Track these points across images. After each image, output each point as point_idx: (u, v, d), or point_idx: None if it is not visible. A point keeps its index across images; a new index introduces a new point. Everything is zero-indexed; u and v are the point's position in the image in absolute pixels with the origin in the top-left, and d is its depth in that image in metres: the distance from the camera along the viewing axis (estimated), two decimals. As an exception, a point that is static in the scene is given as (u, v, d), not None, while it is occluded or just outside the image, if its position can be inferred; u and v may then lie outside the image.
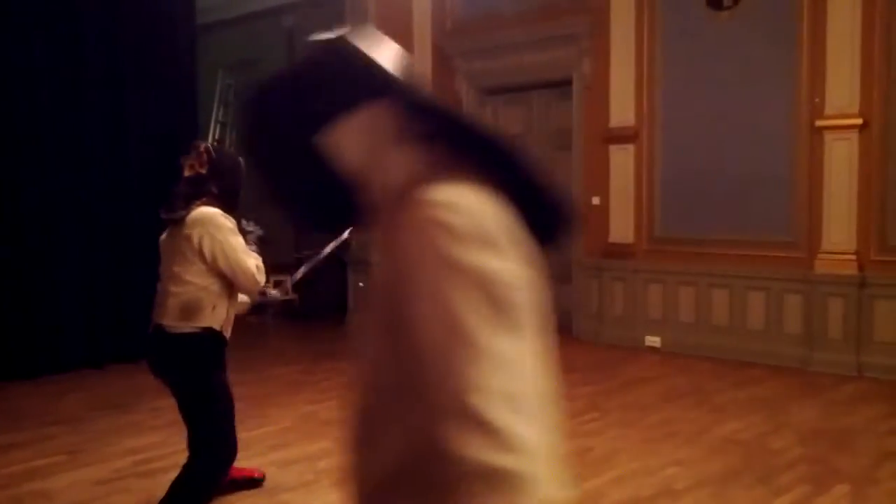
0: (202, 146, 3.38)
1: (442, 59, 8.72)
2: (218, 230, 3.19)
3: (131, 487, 4.14)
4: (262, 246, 4.12)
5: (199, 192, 3.24)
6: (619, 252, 7.49)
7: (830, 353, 6.32)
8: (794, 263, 6.53)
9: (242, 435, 4.89)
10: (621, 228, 7.49)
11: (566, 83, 7.89)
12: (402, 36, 8.49)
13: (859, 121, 6.15)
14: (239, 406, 5.53)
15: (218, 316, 3.28)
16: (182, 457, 4.50)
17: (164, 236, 3.34)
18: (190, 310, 3.21)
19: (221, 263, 3.20)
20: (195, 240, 3.18)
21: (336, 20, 8.62)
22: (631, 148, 7.38)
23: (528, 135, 8.50)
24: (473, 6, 8.49)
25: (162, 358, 3.30)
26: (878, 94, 6.12)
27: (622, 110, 7.40)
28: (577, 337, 7.79)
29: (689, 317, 7.16)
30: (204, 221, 3.19)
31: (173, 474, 4.25)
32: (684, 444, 4.69)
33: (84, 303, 6.78)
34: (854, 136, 6.20)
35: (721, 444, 4.68)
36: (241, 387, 6.13)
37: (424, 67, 8.71)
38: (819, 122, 6.33)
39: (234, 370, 6.73)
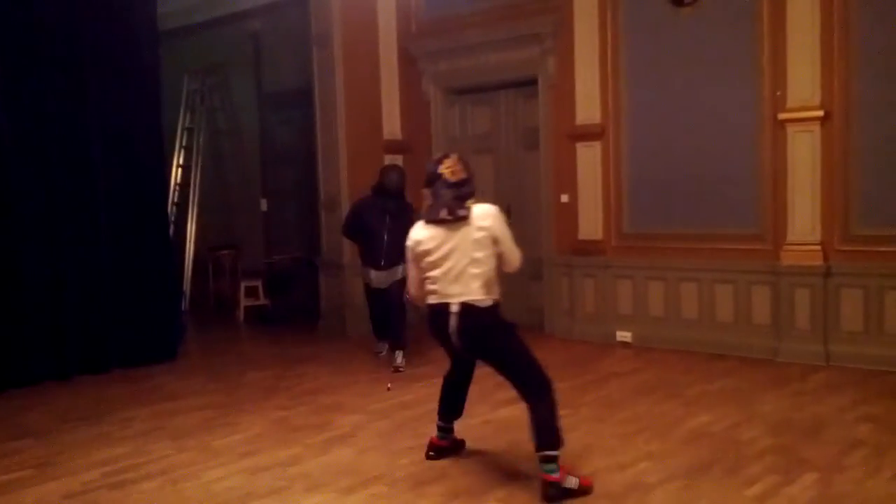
0: (454, 155, 4.14)
1: (408, 60, 8.72)
2: (502, 221, 4.03)
3: (101, 500, 4.09)
4: None
5: (468, 193, 4.00)
6: (589, 249, 7.52)
7: (798, 344, 6.39)
8: (761, 256, 6.60)
9: (213, 443, 4.90)
10: (590, 225, 7.53)
11: (532, 82, 7.92)
12: (368, 39, 8.50)
13: (820, 113, 6.23)
14: (210, 413, 5.56)
15: (499, 288, 4.06)
16: (154, 466, 4.51)
17: (440, 232, 3.98)
18: (490, 286, 3.97)
19: (505, 247, 4.01)
20: (492, 230, 3.95)
21: (301, 24, 8.63)
22: (598, 145, 7.42)
23: (496, 134, 8.53)
24: (438, 8, 8.50)
25: (478, 329, 3.98)
26: (839, 86, 6.19)
27: (588, 108, 7.43)
28: (549, 333, 7.82)
29: (659, 311, 7.21)
30: (493, 215, 4.00)
31: (146, 485, 4.25)
32: (655, 437, 4.72)
33: (49, 313, 6.66)
34: (816, 128, 6.28)
35: (692, 436, 4.72)
36: (212, 394, 6.14)
37: (391, 70, 8.71)
38: (781, 115, 6.40)
39: (205, 377, 6.76)
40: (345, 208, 8.30)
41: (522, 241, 7.13)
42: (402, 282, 6.06)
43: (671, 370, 6.37)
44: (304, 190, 9.37)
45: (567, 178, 7.63)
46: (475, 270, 3.93)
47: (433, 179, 4.04)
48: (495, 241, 3.98)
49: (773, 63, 6.44)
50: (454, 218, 3.94)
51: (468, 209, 3.96)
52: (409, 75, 8.76)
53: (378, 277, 6.79)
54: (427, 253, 4.02)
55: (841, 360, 6.21)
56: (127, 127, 7.08)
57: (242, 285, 9.69)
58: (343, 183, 8.32)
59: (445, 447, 4.54)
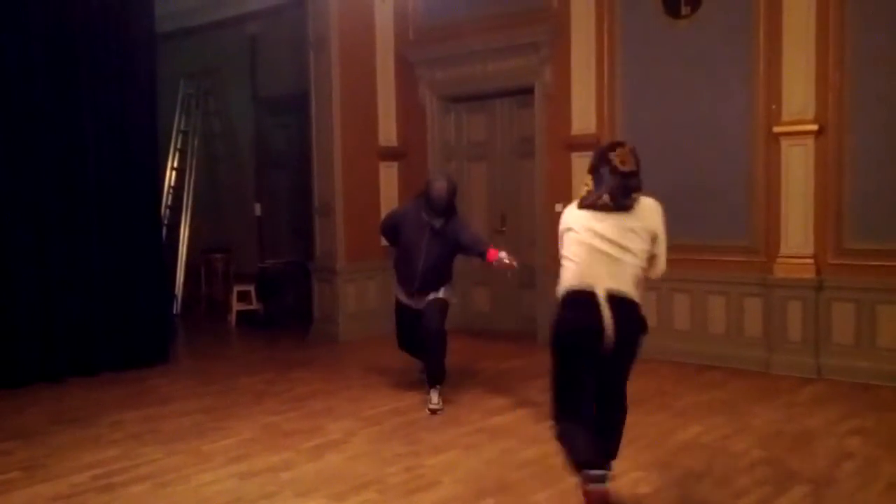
0: (627, 145, 3.85)
1: (405, 67, 8.73)
2: (663, 222, 3.77)
3: (90, 503, 4.07)
4: None
5: (635, 186, 3.72)
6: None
7: (790, 356, 6.41)
8: (754, 268, 6.62)
9: (204, 447, 4.88)
10: (584, 235, 7.52)
11: (528, 91, 7.93)
12: (365, 45, 8.51)
13: (815, 127, 6.25)
14: (200, 417, 5.54)
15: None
16: (144, 470, 4.49)
17: (595, 216, 3.66)
18: (639, 282, 3.70)
19: (659, 249, 3.75)
20: (653, 224, 3.70)
21: (299, 28, 8.63)
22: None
23: (492, 142, 8.55)
24: (435, 15, 8.51)
25: (630, 323, 3.67)
26: (833, 101, 6.22)
27: (583, 118, 7.45)
28: (542, 343, 7.78)
29: (651, 322, 7.05)
30: (658, 210, 3.76)
31: (135, 488, 4.24)
32: (647, 448, 4.72)
33: (40, 315, 6.63)
34: (810, 141, 6.31)
35: (683, 447, 4.72)
36: (203, 398, 6.12)
37: (387, 76, 8.72)
38: (776, 129, 6.42)
39: (196, 381, 6.74)
40: (339, 213, 8.32)
41: (516, 249, 7.21)
42: (441, 304, 5.75)
43: (663, 381, 6.37)
44: (298, 195, 9.37)
45: (562, 188, 7.64)
46: (631, 260, 3.63)
47: (600, 165, 3.73)
48: (653, 239, 3.70)
49: (769, 76, 6.47)
50: (615, 206, 3.65)
51: (633, 199, 3.69)
52: (405, 82, 8.77)
53: (412, 300, 5.89)
54: (573, 232, 3.72)
55: (832, 374, 6.22)
56: (121, 128, 7.05)
57: (235, 289, 9.67)
58: (338, 188, 8.32)
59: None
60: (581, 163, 7.43)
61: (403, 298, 5.96)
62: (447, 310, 5.82)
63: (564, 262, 3.75)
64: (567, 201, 7.54)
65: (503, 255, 5.50)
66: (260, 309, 9.66)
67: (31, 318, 6.58)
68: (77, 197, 6.82)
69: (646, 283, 3.80)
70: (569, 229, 3.75)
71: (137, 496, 4.14)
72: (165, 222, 9.71)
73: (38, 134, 6.59)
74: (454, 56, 8.33)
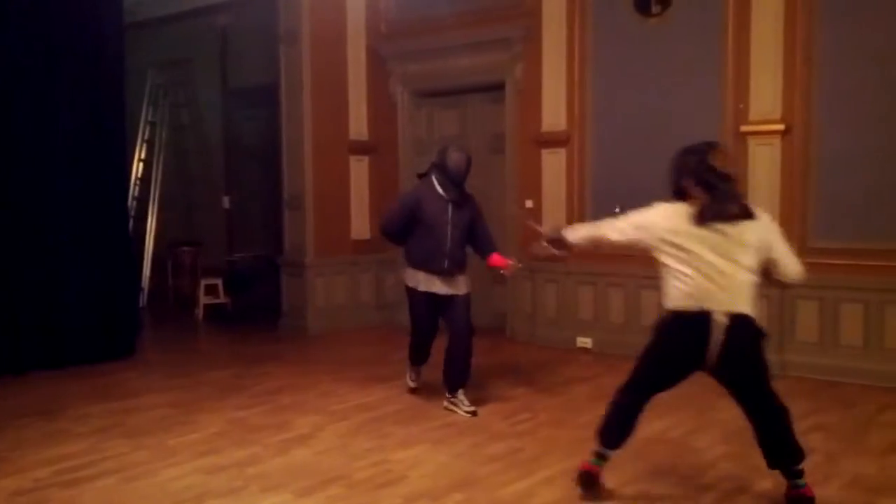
0: (719, 145, 3.74)
1: (377, 61, 8.70)
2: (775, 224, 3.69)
3: (53, 498, 4.02)
4: None
5: (741, 192, 3.63)
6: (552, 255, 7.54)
7: (755, 353, 6.48)
8: (720, 265, 6.68)
9: (170, 441, 4.84)
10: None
11: (499, 87, 7.95)
12: (336, 38, 8.47)
13: (781, 126, 6.33)
14: (167, 411, 5.49)
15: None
16: (109, 464, 4.45)
17: (712, 231, 3.52)
18: (755, 299, 3.57)
19: (779, 253, 3.61)
20: (771, 237, 3.60)
21: (270, 20, 8.57)
22: (563, 152, 7.47)
23: (463, 138, 8.53)
24: (408, 9, 8.49)
25: (751, 343, 3.58)
26: (799, 101, 6.31)
27: (554, 115, 7.48)
28: (511, 338, 7.85)
29: (620, 318, 7.28)
30: (771, 221, 3.67)
31: (100, 483, 4.20)
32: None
33: (4, 307, 6.53)
34: (777, 141, 6.39)
35: (649, 443, 4.75)
36: (170, 392, 6.07)
37: (359, 70, 8.69)
38: (743, 128, 6.50)
39: (163, 374, 6.68)
40: (309, 207, 8.28)
41: (486, 245, 7.20)
42: (468, 301, 5.43)
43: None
44: (267, 188, 9.31)
45: (532, 184, 7.67)
46: (747, 278, 3.50)
47: (702, 171, 3.57)
48: (770, 249, 3.55)
49: (737, 76, 6.54)
50: (742, 213, 3.50)
51: (748, 209, 3.53)
52: (377, 76, 8.75)
53: (441, 283, 5.38)
54: (679, 248, 3.59)
55: (796, 370, 6.31)
56: (88, 119, 6.96)
57: (202, 283, 9.59)
58: (308, 182, 8.28)
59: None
60: (551, 159, 7.50)
61: (426, 287, 5.39)
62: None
63: (675, 280, 3.63)
64: (537, 197, 7.69)
65: (512, 263, 5.45)
66: (228, 303, 9.59)
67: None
68: (43, 188, 6.72)
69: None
70: (679, 246, 3.59)
71: (103, 491, 4.10)
72: (132, 214, 9.60)
73: (4, 125, 6.49)
74: (426, 51, 8.32)
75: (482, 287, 8.28)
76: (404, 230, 5.45)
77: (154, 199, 10.58)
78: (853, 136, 6.12)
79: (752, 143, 6.48)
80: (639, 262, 7.07)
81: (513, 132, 7.90)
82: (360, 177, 8.76)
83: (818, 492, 3.95)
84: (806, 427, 5.02)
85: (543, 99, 7.54)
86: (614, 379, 6.26)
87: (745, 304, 3.50)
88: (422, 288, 5.43)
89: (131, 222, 8.88)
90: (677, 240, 3.57)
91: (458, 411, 5.37)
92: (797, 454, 3.73)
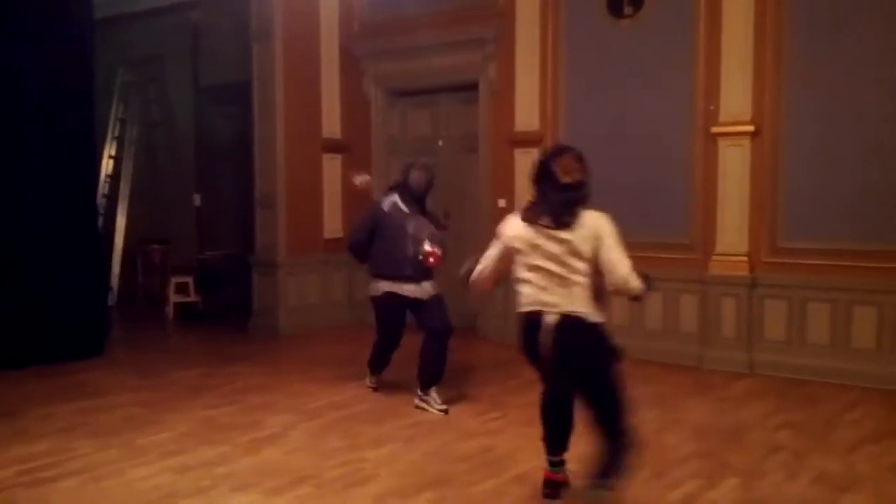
0: (574, 151, 3.68)
1: (350, 59, 8.68)
2: (614, 232, 3.60)
3: (17, 498, 3.96)
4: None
5: (581, 198, 3.57)
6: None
7: (724, 351, 6.55)
8: (690, 265, 6.74)
9: (138, 441, 4.79)
10: (526, 231, 7.58)
11: (473, 87, 7.96)
12: (309, 36, 8.44)
13: (751, 128, 6.40)
14: (135, 410, 5.44)
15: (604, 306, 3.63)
16: (75, 464, 4.40)
17: (537, 235, 3.54)
18: (591, 300, 3.53)
19: (607, 255, 3.52)
20: (595, 238, 3.51)
21: (242, 17, 8.50)
22: (535, 152, 7.46)
23: (437, 137, 8.55)
24: (381, 8, 8.48)
25: (583, 342, 3.54)
26: (769, 103, 6.37)
27: (527, 114, 7.50)
28: (482, 336, 7.85)
29: (591, 317, 7.29)
30: (604, 221, 3.57)
31: (65, 483, 4.14)
32: (582, 441, 4.74)
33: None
34: (746, 142, 6.45)
35: (619, 441, 4.79)
36: (139, 391, 6.01)
37: (332, 68, 8.66)
38: (714, 129, 6.55)
39: (131, 374, 6.60)
40: (281, 206, 8.24)
41: (460, 244, 7.22)
42: (441, 301, 5.54)
43: (601, 375, 6.44)
44: (239, 186, 9.25)
45: (505, 183, 7.68)
46: (577, 280, 3.49)
47: (541, 178, 3.57)
48: (597, 253, 3.50)
49: (708, 78, 6.59)
50: (556, 225, 3.49)
51: (575, 217, 3.50)
52: (350, 74, 8.72)
53: (407, 287, 5.52)
54: (519, 252, 3.61)
55: (764, 369, 6.38)
56: (57, 115, 6.87)
57: (173, 281, 9.51)
58: (280, 180, 8.24)
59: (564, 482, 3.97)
60: (524, 159, 7.51)
61: (392, 289, 5.53)
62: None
63: (520, 285, 3.64)
64: (510, 197, 7.70)
65: (427, 247, 5.36)
66: (198, 301, 9.52)
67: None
68: (9, 184, 6.62)
69: (607, 296, 3.62)
70: (514, 247, 3.61)
71: (68, 491, 4.05)
72: (101, 212, 9.49)
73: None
74: (399, 50, 8.31)
75: (453, 287, 8.28)
76: (368, 242, 5.61)
77: (124, 197, 10.47)
78: (822, 137, 6.19)
79: (722, 144, 6.54)
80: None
81: (486, 132, 7.91)
82: (332, 175, 8.72)
83: (785, 489, 4.01)
84: (773, 425, 5.10)
85: (517, 99, 7.55)
86: (585, 378, 6.35)
87: (579, 305, 3.49)
88: (387, 289, 5.56)
89: (101, 220, 8.78)
90: (518, 244, 3.60)
91: (430, 409, 5.38)
92: (617, 459, 3.62)
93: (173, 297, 9.42)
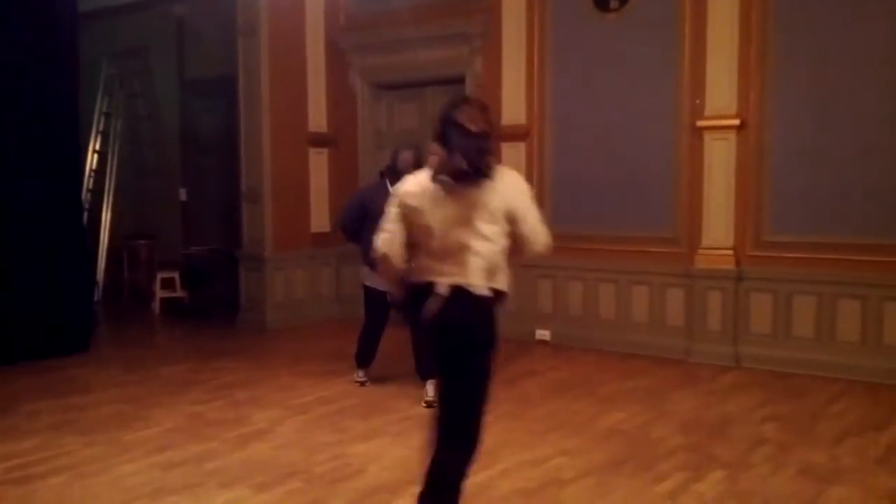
0: (476, 102, 3.23)
1: (336, 53, 8.65)
2: (529, 194, 3.18)
3: (6, 495, 3.95)
4: None
5: (490, 150, 3.10)
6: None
7: (710, 345, 6.59)
8: (676, 259, 6.78)
9: (125, 437, 4.78)
10: (513, 225, 7.59)
11: (459, 81, 7.94)
12: (295, 29, 8.40)
13: (737, 122, 6.42)
14: (122, 407, 5.42)
15: (507, 279, 3.15)
16: (62, 461, 4.38)
17: (442, 193, 3.06)
18: (493, 272, 3.08)
19: (526, 226, 3.10)
20: (513, 200, 3.08)
21: (227, 10, 8.46)
22: (522, 146, 7.49)
23: (423, 131, 8.52)
24: (367, 2, 8.46)
25: (464, 322, 3.07)
26: (755, 97, 6.40)
27: (513, 109, 7.50)
28: (470, 332, 7.85)
29: (578, 310, 7.33)
30: (520, 182, 3.19)
31: (53, 480, 4.13)
32: (571, 434, 4.80)
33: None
34: (732, 136, 6.47)
35: (606, 434, 4.82)
36: (125, 387, 5.99)
37: (318, 62, 8.63)
38: (699, 123, 6.58)
39: (118, 369, 6.58)
40: (267, 200, 8.22)
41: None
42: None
43: (587, 369, 6.48)
44: (225, 180, 9.21)
45: (491, 177, 7.68)
46: (479, 246, 3.02)
47: (446, 127, 3.10)
48: (512, 219, 3.05)
49: (693, 72, 6.61)
50: (474, 172, 3.00)
51: (490, 169, 3.03)
52: (336, 68, 8.70)
53: None
54: (417, 213, 3.10)
55: (750, 362, 6.42)
56: (41, 109, 6.81)
57: (159, 276, 9.47)
58: (266, 174, 8.21)
59: None
60: (511, 153, 7.53)
61: (375, 283, 5.49)
62: None
63: (414, 249, 3.16)
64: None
65: None
66: (185, 297, 9.48)
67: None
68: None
69: (512, 264, 3.18)
70: (410, 205, 3.11)
71: (55, 488, 4.04)
72: (86, 206, 9.44)
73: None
74: (385, 43, 8.29)
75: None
76: (359, 224, 5.47)
77: (109, 191, 10.41)
78: (808, 130, 6.22)
79: (707, 137, 6.57)
80: (598, 256, 7.19)
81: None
82: (319, 169, 8.71)
83: (771, 481, 4.04)
84: (759, 418, 5.14)
85: (503, 93, 7.55)
86: (571, 371, 6.39)
87: (474, 275, 3.02)
88: (372, 285, 5.56)
89: (86, 215, 8.74)
90: (414, 202, 3.09)
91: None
92: (468, 447, 3.20)
93: (160, 293, 9.39)
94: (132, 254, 10.17)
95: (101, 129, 10.54)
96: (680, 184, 6.76)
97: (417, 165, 5.33)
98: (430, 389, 5.41)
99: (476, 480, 4.07)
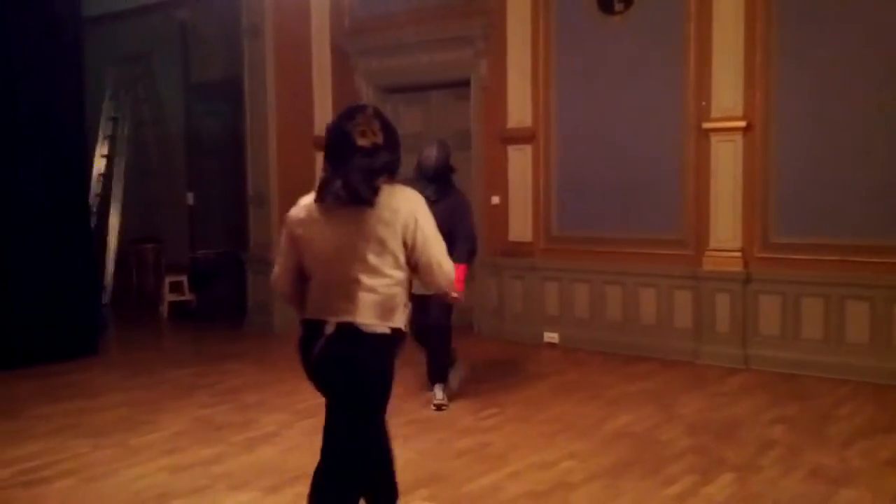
0: (370, 108, 2.85)
1: (341, 57, 8.66)
2: (427, 216, 2.83)
3: (14, 499, 3.95)
4: None
5: (383, 166, 2.76)
6: (518, 250, 7.59)
7: (718, 347, 6.57)
8: (684, 261, 6.76)
9: (133, 441, 4.78)
10: (520, 227, 7.60)
11: (464, 84, 7.95)
12: (300, 33, 8.41)
13: (743, 123, 6.40)
14: (130, 410, 5.43)
15: (405, 317, 2.88)
16: (70, 465, 4.38)
17: (328, 217, 2.79)
18: (387, 308, 2.78)
19: (423, 257, 2.80)
20: (406, 227, 2.75)
21: (231, 13, 8.47)
22: (528, 149, 7.49)
23: (428, 134, 8.51)
24: (372, 5, 8.46)
25: (349, 359, 2.78)
26: (760, 98, 6.38)
27: (519, 111, 7.50)
28: (478, 333, 7.86)
29: (585, 313, 7.32)
30: (418, 202, 2.81)
31: (60, 483, 4.13)
32: (579, 437, 4.79)
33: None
34: (738, 137, 6.46)
35: (614, 436, 4.81)
36: (133, 391, 6.00)
37: (323, 65, 8.64)
38: (706, 125, 6.56)
39: (126, 373, 6.59)
40: (273, 203, 8.22)
41: (452, 241, 7.20)
42: (444, 299, 4.99)
43: (595, 371, 6.47)
44: (231, 184, 9.21)
45: (498, 180, 7.69)
46: (369, 281, 2.70)
47: (335, 143, 2.76)
48: (408, 245, 2.73)
49: (699, 74, 6.60)
50: (349, 199, 2.68)
51: (376, 190, 2.69)
52: (341, 71, 8.70)
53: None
54: (304, 242, 2.82)
55: (758, 364, 6.40)
56: (47, 114, 6.84)
57: (166, 280, 9.48)
58: (272, 178, 8.22)
59: None
60: (517, 156, 7.55)
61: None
62: (452, 304, 5.14)
63: (306, 281, 2.88)
64: (503, 194, 7.72)
65: (458, 295, 4.78)
66: (193, 300, 9.50)
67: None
68: (1, 184, 6.59)
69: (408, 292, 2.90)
70: (298, 234, 2.84)
71: (63, 491, 4.04)
72: (94, 211, 9.46)
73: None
74: (390, 46, 8.29)
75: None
76: None
77: (117, 196, 10.43)
78: (814, 132, 6.20)
79: (714, 139, 6.55)
80: (604, 258, 7.18)
81: (478, 129, 7.91)
82: (325, 173, 8.69)
83: (780, 484, 4.02)
84: (768, 420, 5.12)
85: (508, 96, 7.55)
86: (580, 374, 6.38)
87: (365, 313, 2.71)
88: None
89: (93, 219, 8.76)
90: (301, 230, 2.83)
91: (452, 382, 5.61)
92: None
93: (167, 296, 9.40)
94: (140, 257, 10.19)
95: (108, 133, 10.57)
96: (687, 186, 6.74)
97: (440, 161, 5.29)
98: (438, 392, 5.45)
99: (485, 483, 4.08)
